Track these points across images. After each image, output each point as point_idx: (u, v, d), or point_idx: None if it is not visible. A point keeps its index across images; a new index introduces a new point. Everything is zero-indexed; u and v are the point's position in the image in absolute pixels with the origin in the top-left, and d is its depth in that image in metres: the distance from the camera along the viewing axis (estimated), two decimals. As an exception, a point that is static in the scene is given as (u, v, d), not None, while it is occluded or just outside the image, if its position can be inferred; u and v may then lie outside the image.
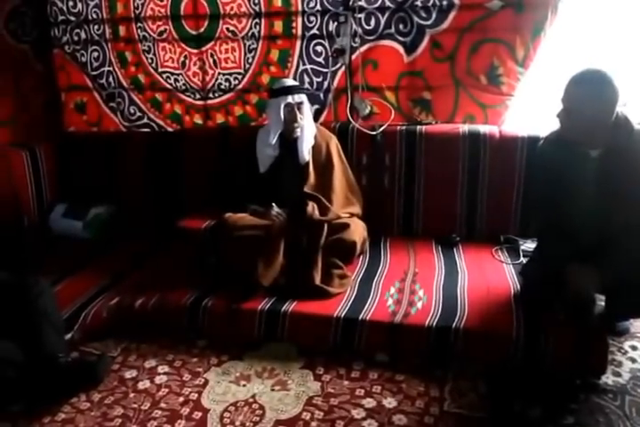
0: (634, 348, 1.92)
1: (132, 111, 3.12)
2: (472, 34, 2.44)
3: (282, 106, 2.30)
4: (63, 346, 1.87)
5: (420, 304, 1.99)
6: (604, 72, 1.64)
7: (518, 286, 2.05)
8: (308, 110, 2.40)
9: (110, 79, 3.09)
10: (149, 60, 2.99)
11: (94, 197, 2.88)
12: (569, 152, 1.75)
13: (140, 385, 1.85)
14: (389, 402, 1.71)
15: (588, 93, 1.63)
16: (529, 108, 2.49)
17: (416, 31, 2.51)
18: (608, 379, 1.76)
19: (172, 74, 2.98)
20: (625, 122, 1.70)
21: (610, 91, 1.62)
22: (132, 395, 1.80)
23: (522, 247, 2.31)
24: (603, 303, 1.87)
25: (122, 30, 2.96)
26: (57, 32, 3.05)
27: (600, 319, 1.82)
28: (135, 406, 1.76)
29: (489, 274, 2.18)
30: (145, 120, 3.12)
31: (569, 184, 1.75)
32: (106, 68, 3.07)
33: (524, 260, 2.23)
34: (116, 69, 3.06)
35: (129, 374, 1.91)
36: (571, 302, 1.75)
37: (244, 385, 1.83)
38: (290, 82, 2.43)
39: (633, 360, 1.86)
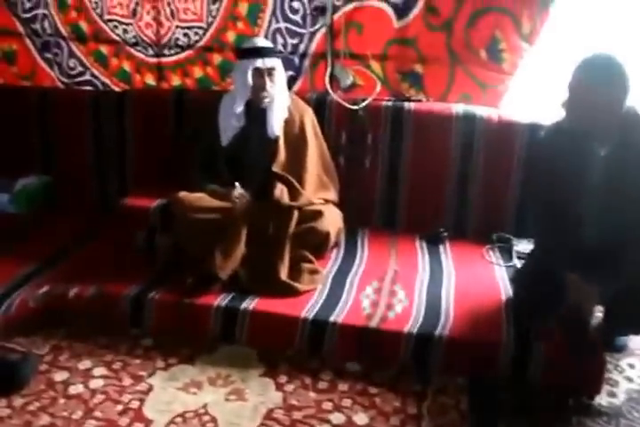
0: (631, 366, 1.96)
1: (72, 65, 3.00)
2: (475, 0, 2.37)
3: (250, 70, 2.22)
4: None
5: (399, 308, 1.98)
6: (616, 58, 1.63)
7: (510, 292, 2.05)
8: (281, 78, 2.32)
9: (46, 25, 2.94)
10: (93, 5, 2.85)
11: (23, 166, 2.78)
12: (573, 146, 1.74)
13: (72, 390, 1.81)
14: (360, 418, 1.70)
15: (597, 80, 1.62)
16: (531, 91, 2.46)
17: (409, -9, 2.45)
18: (602, 400, 1.78)
19: (121, 23, 2.86)
20: (635, 117, 1.70)
21: (621, 78, 1.61)
22: (61, 401, 1.76)
23: (515, 248, 2.31)
24: (600, 315, 1.89)
25: (61, -36, 2.82)
26: (-20, -37, 2.90)
27: (597, 333, 1.83)
28: (65, 414, 1.71)
29: (478, 276, 2.18)
30: (87, 77, 3.00)
31: (571, 180, 1.75)
32: (41, 11, 2.92)
33: (517, 262, 2.23)
34: (53, 13, 2.91)
35: (59, 376, 1.87)
36: (567, 314, 1.75)
37: (195, 393, 1.80)
38: (262, 42, 2.35)
39: (629, 380, 1.89)
